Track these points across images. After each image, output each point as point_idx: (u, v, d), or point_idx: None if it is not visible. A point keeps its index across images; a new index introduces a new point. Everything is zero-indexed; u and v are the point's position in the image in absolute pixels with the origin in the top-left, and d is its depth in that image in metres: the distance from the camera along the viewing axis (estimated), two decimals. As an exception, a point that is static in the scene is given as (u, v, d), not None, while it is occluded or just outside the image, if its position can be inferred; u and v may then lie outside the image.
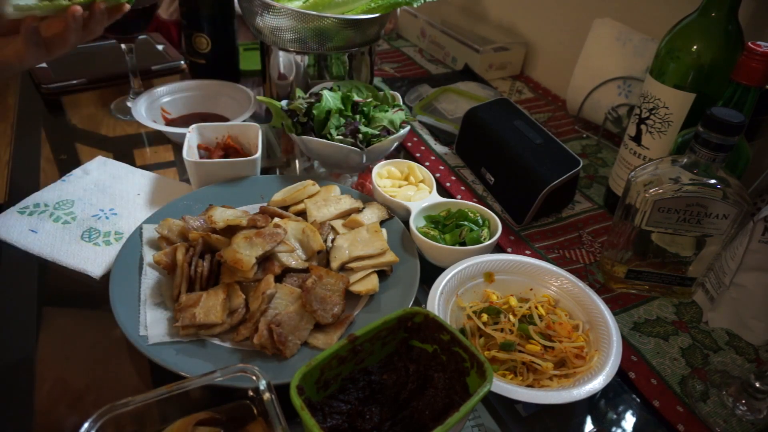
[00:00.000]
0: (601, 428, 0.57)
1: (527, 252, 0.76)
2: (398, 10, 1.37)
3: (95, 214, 0.76)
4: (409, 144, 0.98)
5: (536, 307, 0.61)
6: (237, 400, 0.49)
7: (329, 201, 0.76)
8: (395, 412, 0.50)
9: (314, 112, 0.80)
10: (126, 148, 0.93)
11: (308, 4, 0.87)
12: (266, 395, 0.46)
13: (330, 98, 0.81)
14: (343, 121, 0.81)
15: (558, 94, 1.19)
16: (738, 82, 0.61)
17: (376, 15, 0.87)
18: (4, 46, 0.68)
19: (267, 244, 0.63)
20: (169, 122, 0.97)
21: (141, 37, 1.22)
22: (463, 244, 0.70)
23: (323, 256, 0.69)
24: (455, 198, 0.85)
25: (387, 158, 0.85)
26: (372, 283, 0.65)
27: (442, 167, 0.93)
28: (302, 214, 0.75)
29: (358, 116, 0.83)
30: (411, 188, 0.80)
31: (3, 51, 0.68)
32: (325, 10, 0.86)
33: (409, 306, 0.62)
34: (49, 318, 0.64)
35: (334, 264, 0.67)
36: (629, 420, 0.58)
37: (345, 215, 0.75)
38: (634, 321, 0.68)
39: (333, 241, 0.70)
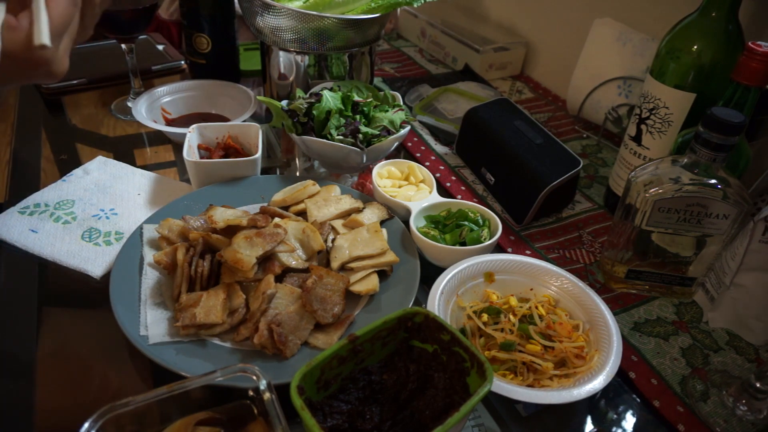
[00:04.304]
0: (601, 428, 0.57)
1: (527, 252, 0.76)
2: (398, 10, 1.37)
3: (95, 214, 0.76)
4: (410, 144, 0.98)
5: (536, 307, 0.61)
6: (237, 400, 0.49)
7: (329, 201, 0.76)
8: (395, 412, 0.50)
9: (314, 112, 0.80)
10: (126, 148, 0.93)
11: (308, 4, 0.87)
12: (266, 395, 0.46)
13: (330, 98, 0.81)
14: (343, 121, 0.81)
15: (558, 94, 1.19)
16: (738, 82, 0.61)
17: (377, 15, 0.87)
18: None
19: (267, 244, 0.63)
20: (170, 122, 0.97)
21: (141, 37, 1.22)
22: (463, 244, 0.70)
23: (323, 256, 0.69)
24: (455, 198, 0.85)
25: (387, 158, 0.85)
26: (372, 283, 0.65)
27: (442, 167, 0.93)
28: (302, 214, 0.75)
29: (358, 116, 0.83)
30: (411, 188, 0.80)
31: None
32: (326, 10, 0.86)
33: (410, 306, 0.62)
34: (49, 318, 0.64)
35: (335, 264, 0.67)
36: (629, 420, 0.58)
37: (345, 215, 0.75)
38: (634, 321, 0.68)
39: (333, 241, 0.70)
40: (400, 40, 1.42)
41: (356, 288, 0.65)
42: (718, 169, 0.60)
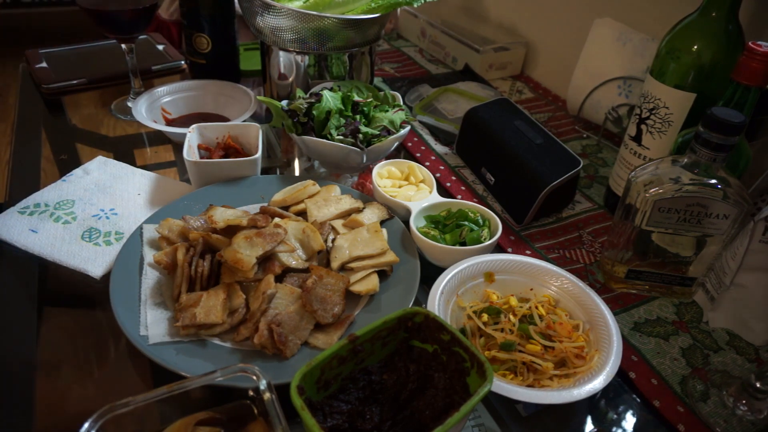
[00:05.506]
0: (601, 428, 0.57)
1: (527, 252, 0.76)
2: (398, 10, 1.37)
3: (95, 214, 0.76)
4: (410, 144, 0.98)
5: (536, 307, 0.61)
6: (237, 400, 0.49)
7: (329, 201, 0.76)
8: (395, 412, 0.50)
9: (314, 112, 0.80)
10: (126, 148, 0.93)
11: (308, 4, 0.87)
12: (266, 395, 0.46)
13: (330, 98, 0.81)
14: (343, 121, 0.81)
15: (558, 94, 1.19)
16: (738, 82, 0.61)
17: (377, 15, 0.87)
18: None
19: (267, 244, 0.63)
20: (170, 122, 0.97)
21: (141, 37, 1.22)
22: (463, 244, 0.70)
23: (323, 256, 0.69)
24: (455, 198, 0.85)
25: (387, 158, 0.85)
26: (372, 283, 0.65)
27: (442, 167, 0.93)
28: (302, 214, 0.75)
29: (358, 116, 0.83)
30: (411, 188, 0.80)
31: None
32: (326, 10, 0.86)
33: (410, 306, 0.62)
34: (49, 318, 0.64)
35: (335, 264, 0.67)
36: (629, 420, 0.58)
37: (345, 215, 0.75)
38: (634, 321, 0.68)
39: (333, 241, 0.70)
40: (400, 40, 1.42)
41: (356, 288, 0.65)
42: (718, 169, 0.60)
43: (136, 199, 0.80)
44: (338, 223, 0.73)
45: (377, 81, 1.18)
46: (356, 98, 0.85)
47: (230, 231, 0.67)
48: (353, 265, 0.67)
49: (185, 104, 1.00)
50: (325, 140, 0.78)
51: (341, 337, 0.60)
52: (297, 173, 0.91)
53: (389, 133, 0.82)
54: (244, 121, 0.92)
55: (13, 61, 1.36)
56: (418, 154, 0.96)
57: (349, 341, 0.49)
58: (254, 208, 0.76)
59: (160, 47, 1.22)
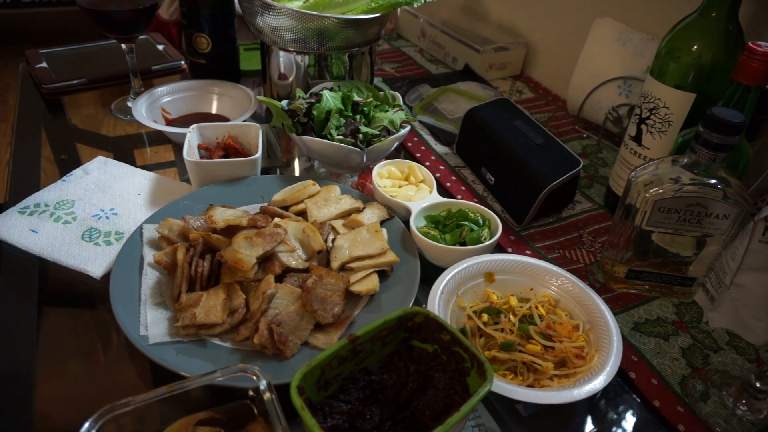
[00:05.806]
0: (601, 428, 0.57)
1: (527, 252, 0.76)
2: (398, 10, 1.37)
3: (96, 214, 0.76)
4: (410, 144, 0.98)
5: (536, 307, 0.61)
6: (237, 400, 0.49)
7: (329, 201, 0.76)
8: (396, 412, 0.50)
9: (314, 112, 0.80)
10: (126, 148, 0.93)
11: (308, 4, 0.87)
12: (266, 395, 0.46)
13: (330, 98, 0.81)
14: (343, 121, 0.81)
15: (558, 94, 1.19)
16: (738, 82, 0.61)
17: (377, 15, 0.87)
18: None
19: (267, 244, 0.63)
20: (170, 122, 0.97)
21: (141, 37, 1.22)
22: (463, 244, 0.70)
23: (323, 256, 0.69)
24: (455, 198, 0.85)
25: (387, 158, 0.85)
26: (372, 283, 0.65)
27: (442, 167, 0.93)
28: (302, 214, 0.75)
29: (358, 116, 0.83)
30: (411, 188, 0.80)
31: None
32: (326, 10, 0.86)
33: (410, 306, 0.62)
34: (49, 318, 0.64)
35: (335, 264, 0.67)
36: (629, 420, 0.58)
37: (345, 215, 0.75)
38: (634, 321, 0.68)
39: (333, 241, 0.70)
40: (400, 40, 1.42)
41: (356, 288, 0.65)
42: (718, 169, 0.60)
43: (136, 199, 0.80)
44: (338, 223, 0.73)
45: (377, 81, 1.18)
46: (356, 98, 0.85)
47: (230, 231, 0.67)
48: (353, 265, 0.67)
49: (185, 104, 1.00)
50: (325, 140, 0.78)
51: (341, 337, 0.60)
52: (297, 173, 0.91)
53: (389, 133, 0.82)
54: (244, 121, 0.92)
55: (13, 61, 1.36)
56: (418, 154, 0.96)
57: (349, 341, 0.49)
58: (254, 208, 0.76)
59: (160, 47, 1.22)
